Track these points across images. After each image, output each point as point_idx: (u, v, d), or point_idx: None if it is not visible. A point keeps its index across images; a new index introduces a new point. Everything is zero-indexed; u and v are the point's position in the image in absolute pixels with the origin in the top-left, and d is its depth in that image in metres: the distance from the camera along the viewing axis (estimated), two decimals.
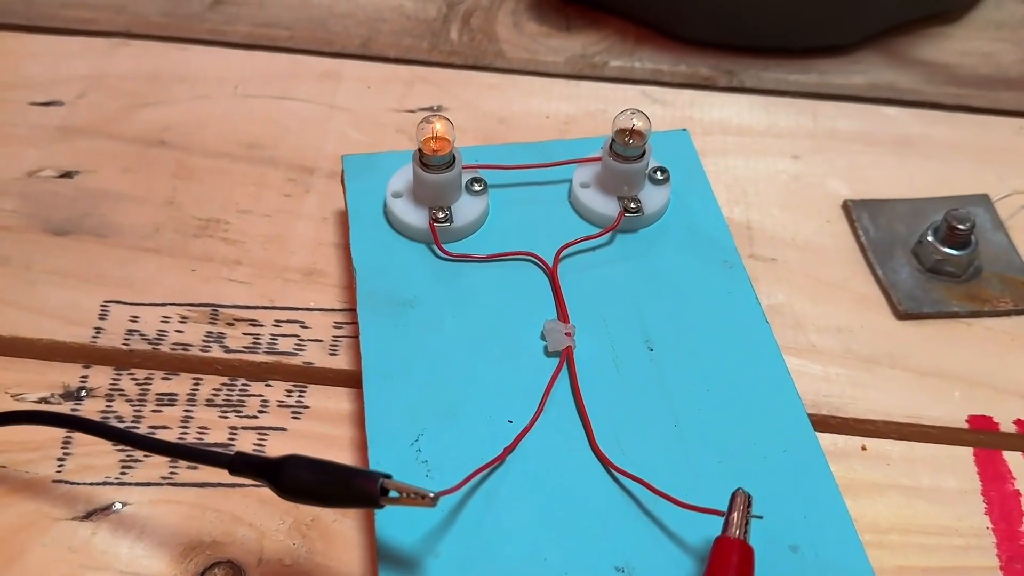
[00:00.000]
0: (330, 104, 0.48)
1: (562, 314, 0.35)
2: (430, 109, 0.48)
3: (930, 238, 0.41)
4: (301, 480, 0.28)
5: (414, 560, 0.29)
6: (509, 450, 0.31)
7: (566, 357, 0.34)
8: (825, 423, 0.36)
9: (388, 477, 0.27)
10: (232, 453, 0.29)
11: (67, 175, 0.44)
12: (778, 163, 0.46)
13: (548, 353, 0.34)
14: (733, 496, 0.28)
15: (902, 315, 0.40)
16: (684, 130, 0.43)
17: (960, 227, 0.40)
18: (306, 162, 0.45)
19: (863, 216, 0.43)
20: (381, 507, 0.27)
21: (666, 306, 0.36)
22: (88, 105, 0.47)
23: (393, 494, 0.27)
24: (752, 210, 0.44)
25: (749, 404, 0.33)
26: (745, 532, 0.27)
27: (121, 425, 0.35)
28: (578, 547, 0.29)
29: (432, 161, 0.37)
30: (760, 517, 0.28)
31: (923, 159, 0.46)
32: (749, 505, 0.28)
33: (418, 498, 0.27)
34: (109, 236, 0.41)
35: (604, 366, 0.34)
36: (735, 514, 0.28)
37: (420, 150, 0.37)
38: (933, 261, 0.41)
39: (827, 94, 0.50)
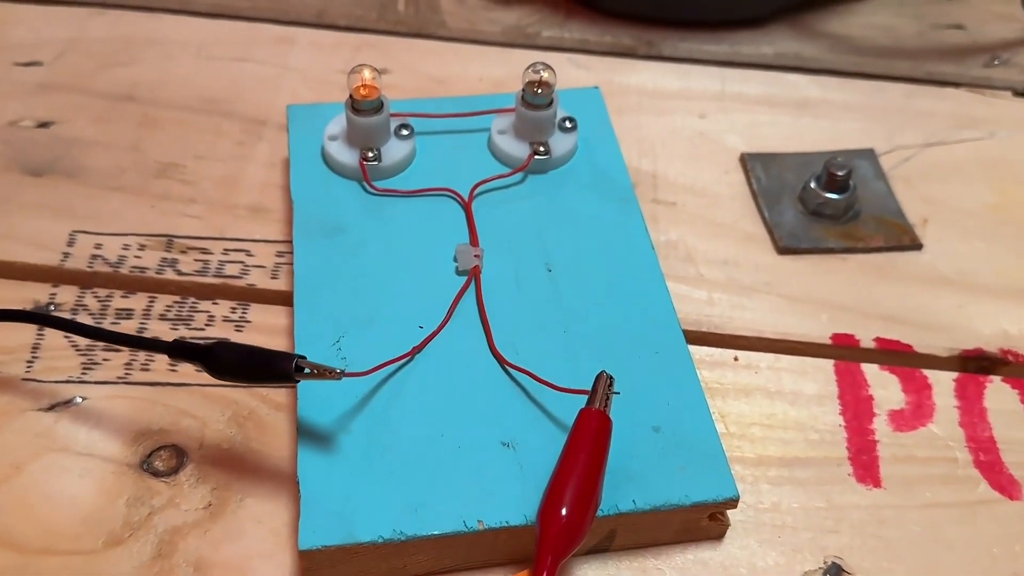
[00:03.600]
0: (283, 66, 0.53)
1: (473, 239, 0.40)
2: None
3: (813, 184, 0.46)
4: (229, 361, 0.32)
5: (329, 435, 0.34)
6: (417, 349, 0.36)
7: (474, 275, 0.39)
8: (704, 338, 0.41)
9: (303, 358, 0.32)
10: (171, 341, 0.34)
11: (44, 125, 0.49)
12: (685, 121, 0.51)
13: (458, 272, 0.39)
14: (597, 377, 0.33)
15: (782, 250, 0.44)
16: (596, 87, 0.48)
17: (838, 173, 0.45)
18: (259, 115, 0.50)
19: (756, 166, 0.48)
20: (297, 382, 0.32)
21: (566, 235, 0.41)
22: (65, 65, 0.52)
23: (307, 371, 0.32)
24: (659, 162, 0.49)
25: (630, 316, 0.38)
26: (605, 405, 0.32)
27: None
28: (471, 427, 0.34)
29: (362, 106, 0.41)
30: (618, 393, 0.33)
31: (817, 119, 0.51)
32: (611, 384, 0.33)
33: (327, 372, 0.32)
34: (79, 176, 0.46)
35: (506, 283, 0.39)
36: (597, 390, 0.32)
37: (351, 96, 0.41)
38: (815, 204, 0.46)
39: (737, 62, 0.55)
